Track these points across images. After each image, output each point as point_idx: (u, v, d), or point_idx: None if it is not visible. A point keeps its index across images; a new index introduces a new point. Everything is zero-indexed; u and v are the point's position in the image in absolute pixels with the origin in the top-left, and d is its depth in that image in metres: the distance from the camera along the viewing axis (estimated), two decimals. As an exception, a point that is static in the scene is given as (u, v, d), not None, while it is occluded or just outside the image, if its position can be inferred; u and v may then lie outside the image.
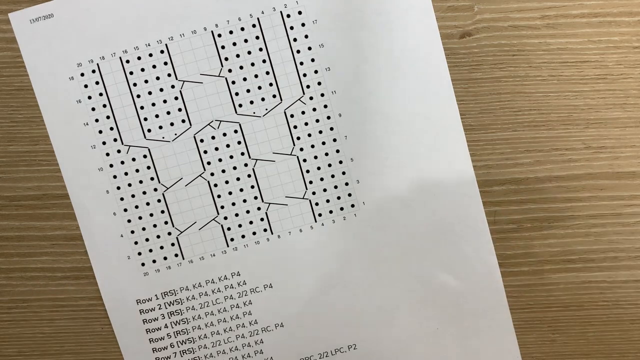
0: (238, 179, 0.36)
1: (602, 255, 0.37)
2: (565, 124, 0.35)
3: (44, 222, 0.36)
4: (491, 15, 0.34)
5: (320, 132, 0.36)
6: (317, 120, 0.36)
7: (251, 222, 0.36)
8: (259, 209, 0.36)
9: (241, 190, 0.36)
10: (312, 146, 0.36)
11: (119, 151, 0.36)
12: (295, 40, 0.35)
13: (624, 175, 0.36)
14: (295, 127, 0.36)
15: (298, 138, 0.36)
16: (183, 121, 0.35)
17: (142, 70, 0.35)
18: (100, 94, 0.35)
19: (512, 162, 0.36)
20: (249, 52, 0.35)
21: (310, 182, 0.36)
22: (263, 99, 0.35)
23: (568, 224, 0.36)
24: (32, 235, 0.37)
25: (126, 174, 0.36)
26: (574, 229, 0.37)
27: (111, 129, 0.35)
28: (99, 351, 0.38)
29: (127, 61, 0.35)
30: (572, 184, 0.36)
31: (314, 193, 0.36)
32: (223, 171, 0.36)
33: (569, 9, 0.34)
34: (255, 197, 0.36)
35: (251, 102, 0.35)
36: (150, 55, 0.35)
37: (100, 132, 0.36)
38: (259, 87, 0.35)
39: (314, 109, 0.35)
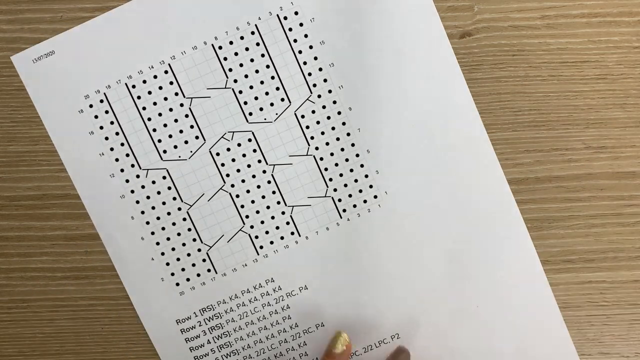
0: (259, 186, 0.36)
1: (602, 255, 0.37)
2: (565, 124, 0.35)
3: (44, 222, 0.37)
4: (491, 15, 0.34)
5: (333, 128, 0.36)
6: (329, 117, 0.36)
7: (277, 228, 0.36)
8: (283, 213, 0.36)
9: (263, 197, 0.36)
10: (327, 143, 0.36)
11: (138, 176, 0.36)
12: (295, 41, 0.35)
13: (624, 175, 0.36)
14: (307, 127, 0.36)
15: (312, 138, 0.36)
16: (197, 137, 0.36)
17: (149, 93, 0.35)
18: (112, 123, 0.35)
19: (512, 162, 0.36)
20: (252, 60, 0.35)
21: (330, 180, 0.36)
22: (272, 104, 0.35)
23: (568, 224, 0.36)
24: (32, 235, 0.37)
25: (148, 197, 0.36)
26: (574, 229, 0.37)
27: (127, 155, 0.36)
28: (99, 351, 0.38)
29: (134, 86, 0.35)
30: (572, 184, 0.36)
31: (335, 190, 0.36)
32: (243, 181, 0.36)
33: (569, 9, 0.34)
34: (278, 202, 0.36)
35: (261, 109, 0.35)
36: (155, 77, 0.35)
37: (117, 160, 0.36)
38: (267, 93, 0.35)
39: (324, 107, 0.35)
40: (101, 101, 0.35)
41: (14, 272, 0.37)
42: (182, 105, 0.35)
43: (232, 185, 0.36)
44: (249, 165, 0.36)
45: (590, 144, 0.35)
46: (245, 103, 0.35)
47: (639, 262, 0.37)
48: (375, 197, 0.36)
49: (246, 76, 0.35)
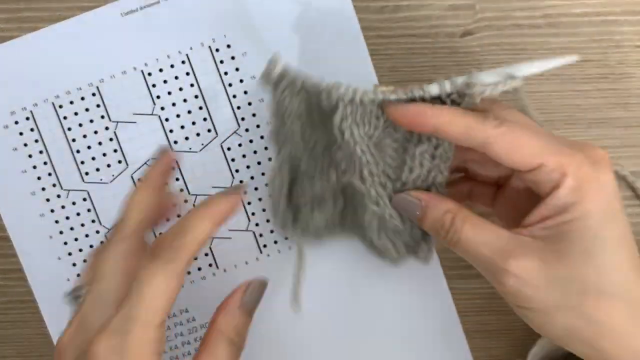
0: (179, 215, 0.36)
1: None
2: (567, 123, 0.35)
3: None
4: (493, 14, 0.34)
5: (259, 163, 0.35)
6: (255, 152, 0.35)
7: (195, 258, 0.36)
8: (202, 244, 0.36)
9: (183, 226, 0.36)
10: (252, 177, 0.36)
11: (58, 196, 0.36)
12: (226, 73, 0.35)
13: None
14: (233, 159, 0.35)
15: (237, 170, 0.35)
16: (119, 162, 0.35)
17: (76, 114, 0.35)
18: (36, 141, 0.35)
19: None
20: (180, 89, 0.35)
21: (253, 214, 0.36)
22: (198, 134, 0.35)
23: None
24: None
25: (67, 218, 0.36)
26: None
27: (49, 174, 0.35)
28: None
29: (60, 106, 0.35)
30: None
31: (257, 225, 0.36)
32: (163, 209, 0.36)
33: (571, 8, 0.34)
34: (198, 233, 0.36)
35: (186, 138, 0.35)
36: (83, 98, 0.35)
37: (39, 178, 0.36)
38: (193, 123, 0.35)
39: (251, 141, 0.35)
40: (27, 118, 0.35)
41: (13, 272, 0.37)
42: (107, 128, 0.35)
43: (152, 213, 0.36)
44: (170, 194, 0.36)
45: (592, 144, 0.35)
46: (171, 131, 0.35)
47: None
48: (297, 234, 0.36)
49: (174, 104, 0.35)
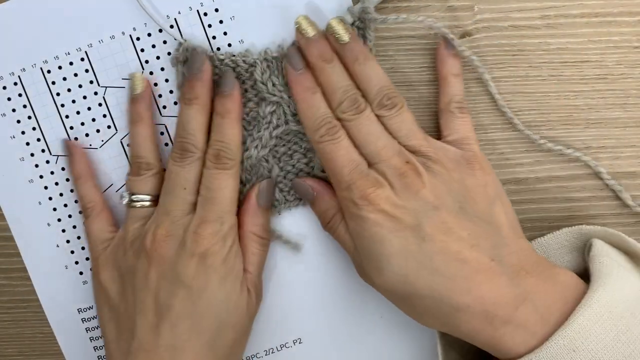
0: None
1: (602, 256, 0.36)
2: (565, 124, 0.35)
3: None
4: (491, 15, 0.34)
5: (248, 127, 0.36)
6: (245, 114, 0.35)
7: (185, 223, 0.36)
8: (192, 209, 0.36)
9: (172, 191, 0.36)
10: (241, 143, 0.36)
11: (47, 162, 0.36)
12: (214, 37, 0.35)
13: (624, 175, 0.36)
14: (222, 124, 0.35)
15: (226, 134, 0.35)
16: (109, 127, 0.35)
17: (64, 79, 0.35)
18: (25, 106, 0.35)
19: (512, 162, 0.36)
20: (169, 53, 0.35)
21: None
22: (187, 99, 0.35)
23: (568, 224, 0.35)
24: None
25: (57, 184, 0.36)
26: (574, 229, 0.36)
27: (38, 140, 0.36)
28: None
29: (49, 71, 0.35)
30: (572, 184, 0.36)
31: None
32: (153, 174, 0.36)
33: (569, 9, 0.34)
34: (188, 198, 0.36)
35: (175, 103, 0.35)
36: (71, 63, 0.35)
37: (28, 144, 0.36)
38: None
39: (240, 104, 0.35)
40: (15, 84, 0.35)
41: (14, 272, 0.37)
42: (96, 93, 0.35)
43: (142, 178, 0.36)
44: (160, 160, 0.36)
45: (590, 144, 0.35)
46: (160, 96, 0.35)
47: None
48: (287, 199, 0.36)
49: (162, 69, 0.35)
